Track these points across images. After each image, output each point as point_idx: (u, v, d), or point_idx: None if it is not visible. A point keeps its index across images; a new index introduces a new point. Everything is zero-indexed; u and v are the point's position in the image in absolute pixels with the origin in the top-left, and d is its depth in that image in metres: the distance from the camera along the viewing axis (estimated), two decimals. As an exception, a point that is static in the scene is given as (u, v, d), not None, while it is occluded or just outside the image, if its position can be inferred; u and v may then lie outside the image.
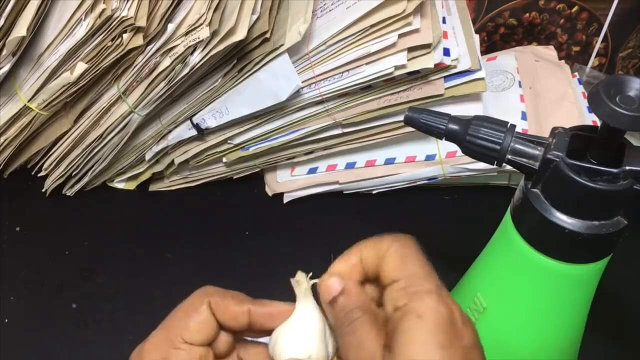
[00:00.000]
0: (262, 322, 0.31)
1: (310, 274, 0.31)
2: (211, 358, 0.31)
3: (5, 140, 0.56)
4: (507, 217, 0.37)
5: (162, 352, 0.29)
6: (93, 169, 0.59)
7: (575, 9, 0.68)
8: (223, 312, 0.30)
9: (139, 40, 0.49)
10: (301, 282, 0.31)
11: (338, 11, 0.51)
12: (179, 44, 0.49)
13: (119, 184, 0.64)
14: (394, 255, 0.29)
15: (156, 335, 0.30)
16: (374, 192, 0.61)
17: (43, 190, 0.61)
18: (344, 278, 0.30)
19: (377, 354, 0.26)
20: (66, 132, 0.56)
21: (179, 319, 0.30)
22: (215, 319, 0.30)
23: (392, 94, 0.53)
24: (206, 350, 0.30)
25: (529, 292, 0.37)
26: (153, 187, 0.64)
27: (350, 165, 0.59)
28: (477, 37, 0.55)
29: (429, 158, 0.57)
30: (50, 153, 0.58)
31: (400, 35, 0.49)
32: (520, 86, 0.59)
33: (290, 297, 0.31)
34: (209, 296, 0.31)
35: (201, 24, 0.48)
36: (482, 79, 0.52)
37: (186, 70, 0.50)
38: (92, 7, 0.48)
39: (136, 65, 0.51)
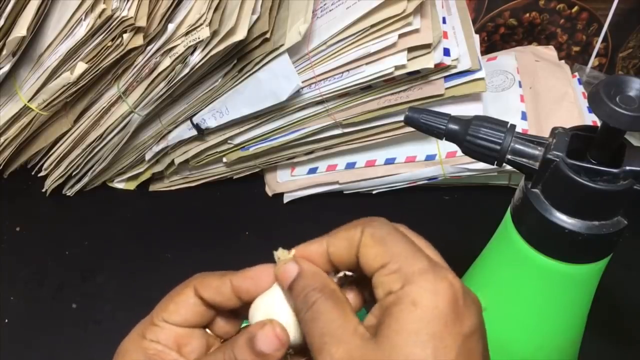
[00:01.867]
0: (247, 288, 0.29)
1: (293, 251, 0.30)
2: (197, 342, 0.30)
3: (5, 140, 0.56)
4: (507, 217, 0.37)
5: (142, 329, 0.30)
6: (93, 169, 0.59)
7: (575, 9, 0.68)
8: (207, 289, 0.30)
9: (139, 40, 0.49)
10: (281, 258, 0.29)
11: (338, 11, 0.51)
12: (179, 44, 0.49)
13: (119, 184, 0.64)
14: (372, 241, 0.27)
15: (143, 319, 0.31)
16: (374, 192, 0.61)
17: (43, 190, 0.61)
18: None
19: (344, 336, 0.25)
20: (66, 132, 0.56)
21: (163, 302, 0.30)
22: (203, 302, 0.30)
23: (392, 94, 0.53)
24: (189, 332, 0.30)
25: (529, 292, 0.37)
26: (153, 187, 0.64)
27: (350, 165, 0.59)
28: (477, 37, 0.55)
29: (429, 158, 0.57)
30: (50, 153, 0.58)
31: (400, 35, 0.49)
32: (520, 86, 0.59)
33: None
34: (194, 279, 0.30)
35: (201, 24, 0.48)
36: (482, 79, 0.52)
37: (186, 70, 0.50)
38: (92, 7, 0.48)
39: (136, 65, 0.51)
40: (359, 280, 0.29)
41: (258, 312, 0.29)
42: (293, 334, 0.28)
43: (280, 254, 0.30)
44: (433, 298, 0.24)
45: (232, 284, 0.29)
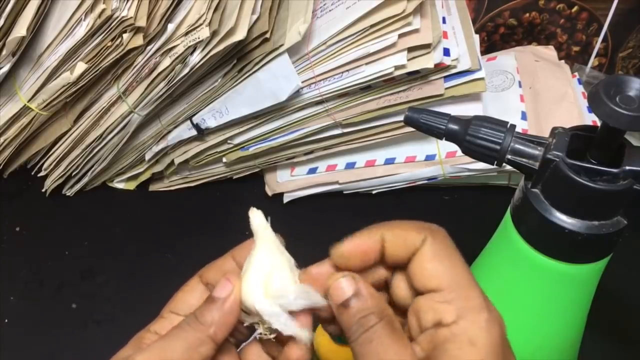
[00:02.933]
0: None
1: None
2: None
3: (5, 140, 0.56)
4: (507, 217, 0.37)
5: (151, 324, 0.30)
6: (93, 169, 0.59)
7: (575, 9, 0.68)
8: (211, 271, 0.30)
9: (139, 40, 0.49)
10: (256, 215, 0.29)
11: (338, 11, 0.51)
12: (178, 44, 0.49)
13: (119, 184, 0.64)
14: (430, 255, 0.26)
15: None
16: (374, 192, 0.61)
17: (43, 190, 0.61)
18: (356, 264, 0.27)
19: None
20: (66, 132, 0.56)
21: (172, 297, 0.31)
22: (209, 289, 0.30)
23: (392, 94, 0.53)
24: None
25: (529, 292, 0.37)
26: (153, 187, 0.64)
27: (350, 165, 0.59)
28: (477, 37, 0.55)
29: (429, 158, 0.57)
30: (50, 153, 0.58)
31: (400, 35, 0.49)
32: (520, 86, 0.59)
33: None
34: (202, 270, 0.30)
35: (201, 24, 0.48)
36: (482, 79, 0.52)
37: (186, 70, 0.50)
38: (92, 7, 0.48)
39: (136, 65, 0.51)
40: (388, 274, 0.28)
41: (247, 270, 0.28)
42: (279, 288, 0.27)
43: (253, 211, 0.30)
44: (489, 337, 0.24)
45: (235, 259, 0.30)
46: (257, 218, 0.29)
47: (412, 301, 0.27)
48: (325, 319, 0.28)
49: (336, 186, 0.60)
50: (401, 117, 0.52)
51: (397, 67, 0.50)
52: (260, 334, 0.28)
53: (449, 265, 0.26)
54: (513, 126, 0.35)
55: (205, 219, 0.61)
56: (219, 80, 0.52)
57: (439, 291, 0.25)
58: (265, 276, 0.28)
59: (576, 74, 0.64)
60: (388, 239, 0.27)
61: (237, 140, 0.57)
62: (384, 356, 0.25)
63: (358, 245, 0.27)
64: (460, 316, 0.24)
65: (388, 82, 0.52)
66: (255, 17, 0.49)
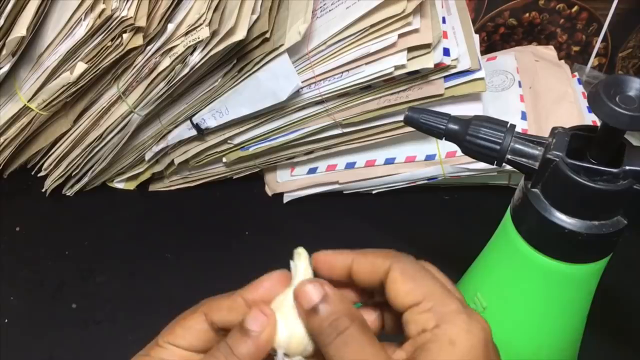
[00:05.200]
0: (260, 298, 0.29)
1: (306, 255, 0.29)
2: None
3: (5, 140, 0.56)
4: (507, 217, 0.37)
5: (147, 350, 0.30)
6: (93, 169, 0.59)
7: (575, 8, 0.68)
8: (218, 311, 0.29)
9: (138, 40, 0.49)
10: (301, 255, 0.29)
11: (338, 11, 0.51)
12: (178, 44, 0.49)
13: (119, 184, 0.64)
14: (402, 277, 0.27)
15: (150, 343, 0.30)
16: (374, 192, 0.61)
17: (43, 190, 0.61)
18: (323, 274, 0.29)
19: None
20: (66, 132, 0.56)
21: (170, 325, 0.30)
22: (213, 327, 0.29)
23: (392, 94, 0.53)
24: (193, 356, 0.30)
25: (529, 292, 0.37)
26: (153, 187, 0.64)
27: (350, 165, 0.59)
28: (477, 37, 0.55)
29: (429, 158, 0.57)
30: (50, 153, 0.58)
31: (400, 35, 0.49)
32: (520, 86, 0.59)
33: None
34: (203, 305, 0.30)
35: (201, 24, 0.48)
36: (482, 78, 0.52)
37: (186, 70, 0.50)
38: (92, 7, 0.48)
39: (136, 65, 0.51)
40: (379, 306, 0.30)
41: (280, 308, 0.28)
42: (301, 342, 0.28)
43: (301, 251, 0.29)
44: (470, 338, 0.25)
45: (244, 298, 0.29)
46: (302, 262, 0.29)
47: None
48: None
49: (336, 186, 0.60)
50: (401, 117, 0.52)
51: (397, 67, 0.50)
52: None
53: (420, 281, 0.27)
54: (513, 126, 0.35)
55: (205, 219, 0.61)
56: (219, 80, 0.52)
57: (417, 304, 0.26)
58: (294, 319, 0.28)
59: (576, 73, 0.64)
60: (357, 260, 0.29)
61: (237, 140, 0.57)
62: (360, 355, 0.26)
63: (329, 256, 0.29)
64: (441, 320, 0.26)
65: (388, 82, 0.52)
66: (255, 17, 0.49)
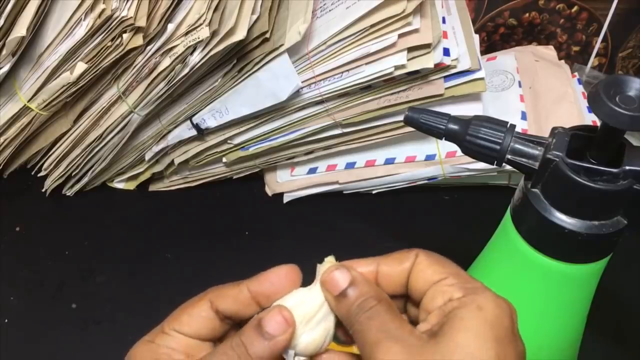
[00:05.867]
0: (266, 291, 0.29)
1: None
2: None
3: (5, 140, 0.56)
4: (507, 217, 0.37)
5: (152, 336, 0.29)
6: (93, 169, 0.59)
7: (575, 9, 0.68)
8: (224, 299, 0.29)
9: (138, 40, 0.49)
10: (329, 261, 0.29)
11: (338, 11, 0.51)
12: (178, 44, 0.49)
13: (119, 184, 0.64)
14: (428, 260, 0.28)
15: (153, 329, 0.30)
16: (374, 192, 0.61)
17: (43, 190, 0.61)
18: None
19: (402, 335, 0.25)
20: (66, 132, 0.56)
21: (176, 312, 0.30)
22: (218, 315, 0.29)
23: (392, 94, 0.53)
24: (199, 344, 0.29)
25: (529, 292, 0.37)
26: (153, 187, 0.64)
27: (350, 165, 0.59)
28: (477, 37, 0.55)
29: (429, 158, 0.57)
30: (50, 153, 0.58)
31: (400, 35, 0.49)
32: (520, 86, 0.59)
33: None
34: (210, 292, 0.30)
35: (201, 24, 0.48)
36: (482, 78, 0.52)
37: (186, 70, 0.50)
38: (92, 7, 0.48)
39: (136, 65, 0.51)
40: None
41: (296, 312, 0.29)
42: (317, 345, 0.28)
43: (331, 259, 0.30)
44: (497, 307, 0.25)
45: (250, 290, 0.29)
46: (328, 265, 0.29)
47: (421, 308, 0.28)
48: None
49: (336, 186, 0.60)
50: (401, 117, 0.52)
51: (397, 67, 0.50)
52: None
53: (445, 263, 0.28)
54: (513, 126, 0.35)
55: (205, 219, 0.61)
56: (219, 80, 0.52)
57: (444, 278, 0.27)
58: (314, 322, 0.28)
59: (576, 74, 0.64)
60: (382, 261, 0.29)
61: (237, 140, 0.57)
62: (385, 327, 0.26)
63: (354, 263, 0.29)
64: (468, 292, 0.26)
65: (388, 82, 0.52)
66: (255, 17, 0.49)
